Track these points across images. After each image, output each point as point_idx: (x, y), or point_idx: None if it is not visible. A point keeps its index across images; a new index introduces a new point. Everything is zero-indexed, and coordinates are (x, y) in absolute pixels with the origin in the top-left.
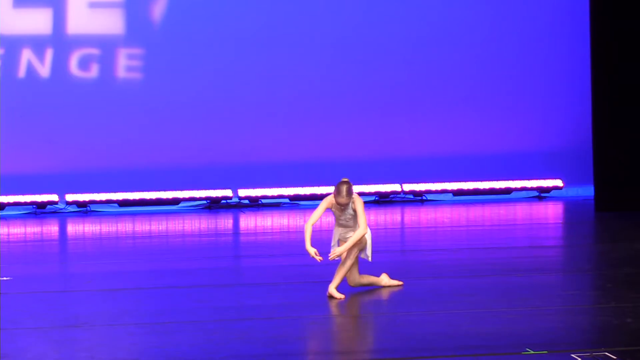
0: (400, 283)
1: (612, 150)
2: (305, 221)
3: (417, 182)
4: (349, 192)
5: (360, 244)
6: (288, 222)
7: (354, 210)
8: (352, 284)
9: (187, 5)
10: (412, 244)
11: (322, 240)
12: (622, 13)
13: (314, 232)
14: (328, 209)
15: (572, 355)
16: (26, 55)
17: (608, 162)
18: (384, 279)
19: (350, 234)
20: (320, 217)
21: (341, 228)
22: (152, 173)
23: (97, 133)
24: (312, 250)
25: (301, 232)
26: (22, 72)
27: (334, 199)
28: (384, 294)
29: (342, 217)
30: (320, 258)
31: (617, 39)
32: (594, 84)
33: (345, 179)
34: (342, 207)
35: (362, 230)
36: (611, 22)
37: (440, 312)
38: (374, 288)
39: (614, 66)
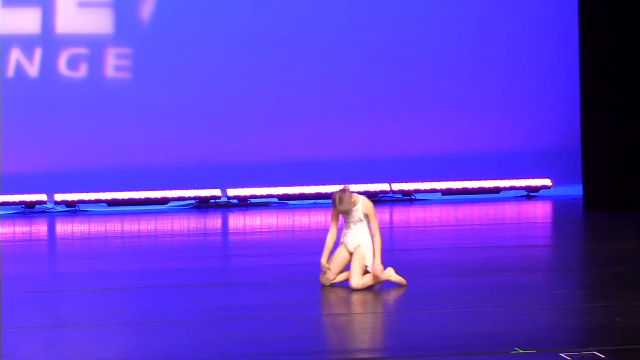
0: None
1: (601, 150)
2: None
3: (406, 182)
4: (346, 199)
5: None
6: (277, 221)
7: (365, 216)
8: (354, 285)
9: (176, 5)
10: (400, 244)
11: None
12: (612, 6)
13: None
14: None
15: (561, 354)
16: (15, 55)
17: (596, 162)
18: (389, 273)
19: (357, 234)
20: (337, 231)
21: (350, 229)
22: (140, 172)
23: (86, 132)
24: (325, 264)
25: (290, 231)
26: (10, 71)
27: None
28: (374, 293)
29: (351, 220)
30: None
31: (609, 32)
32: (582, 83)
33: (340, 189)
34: (348, 211)
35: (379, 237)
36: (604, 15)
37: (429, 312)
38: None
39: (605, 60)
